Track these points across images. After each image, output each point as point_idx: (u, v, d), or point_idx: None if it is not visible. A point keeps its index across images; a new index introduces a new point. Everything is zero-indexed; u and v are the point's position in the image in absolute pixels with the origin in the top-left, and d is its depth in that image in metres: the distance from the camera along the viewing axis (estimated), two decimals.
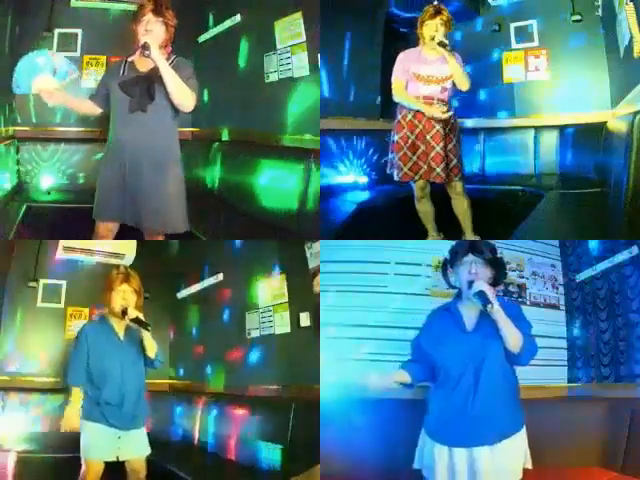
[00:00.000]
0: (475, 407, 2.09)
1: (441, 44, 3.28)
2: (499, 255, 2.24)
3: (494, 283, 2.17)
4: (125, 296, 2.71)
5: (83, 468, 2.68)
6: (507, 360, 2.14)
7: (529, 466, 2.19)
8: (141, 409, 2.79)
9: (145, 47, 2.73)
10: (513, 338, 2.07)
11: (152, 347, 2.77)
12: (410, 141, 3.43)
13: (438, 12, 3.31)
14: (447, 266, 2.25)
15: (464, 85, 3.36)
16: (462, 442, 2.11)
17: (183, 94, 2.81)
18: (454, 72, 3.32)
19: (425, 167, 3.42)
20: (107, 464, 2.69)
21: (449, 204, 3.60)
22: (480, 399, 2.09)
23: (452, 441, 2.13)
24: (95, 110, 3.01)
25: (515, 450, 2.14)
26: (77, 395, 2.72)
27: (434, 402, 2.24)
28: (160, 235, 3.02)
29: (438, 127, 3.36)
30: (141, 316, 2.68)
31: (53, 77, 2.88)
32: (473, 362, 2.11)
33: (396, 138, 3.48)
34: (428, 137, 3.39)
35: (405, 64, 3.43)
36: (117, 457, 2.69)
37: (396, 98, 3.45)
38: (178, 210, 2.93)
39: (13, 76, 2.89)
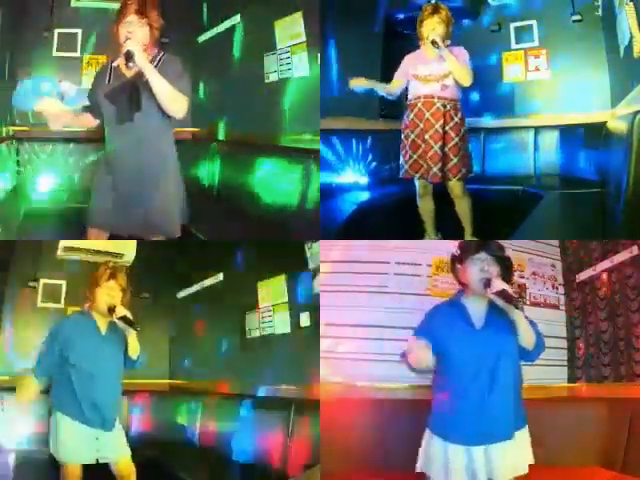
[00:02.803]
0: (492, 405, 2.08)
1: (433, 43, 3.27)
2: (507, 254, 2.22)
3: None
4: (111, 292, 2.63)
5: (62, 472, 2.58)
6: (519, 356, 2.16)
7: (532, 461, 2.20)
8: (115, 408, 2.70)
9: (129, 56, 2.50)
10: (529, 335, 2.10)
11: (136, 347, 2.70)
12: (410, 140, 3.47)
13: (436, 10, 3.30)
14: (456, 262, 2.22)
15: (464, 80, 3.33)
16: (480, 440, 2.10)
17: (173, 100, 2.59)
18: (452, 68, 3.30)
19: (425, 166, 3.45)
20: (96, 469, 2.61)
21: (450, 204, 3.60)
22: (496, 397, 2.09)
23: (469, 440, 2.11)
24: (93, 122, 2.83)
25: (525, 443, 2.17)
26: (31, 384, 2.63)
27: (444, 401, 2.19)
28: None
29: (437, 126, 3.37)
30: (129, 315, 2.61)
31: (61, 102, 2.66)
32: (488, 360, 2.10)
33: (402, 137, 3.55)
34: (427, 136, 3.40)
35: (405, 66, 3.48)
36: (97, 460, 2.60)
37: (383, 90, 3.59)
38: (173, 216, 2.81)
39: (13, 97, 2.68)
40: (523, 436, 2.17)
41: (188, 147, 5.14)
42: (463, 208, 3.57)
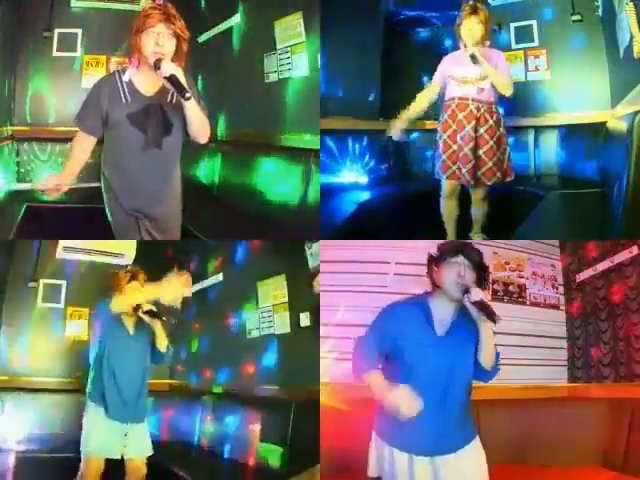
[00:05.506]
0: (442, 416, 2.01)
1: (472, 57, 3.24)
2: (484, 261, 2.09)
3: None
4: (134, 293, 2.76)
5: (82, 467, 2.68)
6: (473, 372, 2.06)
7: (485, 475, 2.09)
8: (142, 404, 2.84)
9: (175, 82, 2.18)
10: (491, 353, 2.01)
11: (164, 340, 2.84)
12: (442, 140, 3.43)
13: (474, 11, 3.24)
14: (433, 264, 2.09)
15: (504, 90, 3.32)
16: (426, 451, 2.02)
17: (203, 124, 2.40)
18: (493, 80, 3.28)
19: (454, 168, 3.40)
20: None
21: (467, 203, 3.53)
22: (448, 408, 2.01)
23: (414, 449, 2.03)
24: (93, 141, 2.47)
25: (478, 455, 2.08)
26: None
27: None
28: None
29: (468, 127, 3.34)
30: (154, 308, 2.75)
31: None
32: (445, 370, 2.01)
33: (437, 137, 3.50)
34: (458, 137, 3.37)
35: (443, 67, 3.44)
36: (122, 455, 2.72)
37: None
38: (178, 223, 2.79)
39: None
40: (473, 448, 2.08)
41: (188, 146, 5.15)
42: (479, 213, 3.52)
